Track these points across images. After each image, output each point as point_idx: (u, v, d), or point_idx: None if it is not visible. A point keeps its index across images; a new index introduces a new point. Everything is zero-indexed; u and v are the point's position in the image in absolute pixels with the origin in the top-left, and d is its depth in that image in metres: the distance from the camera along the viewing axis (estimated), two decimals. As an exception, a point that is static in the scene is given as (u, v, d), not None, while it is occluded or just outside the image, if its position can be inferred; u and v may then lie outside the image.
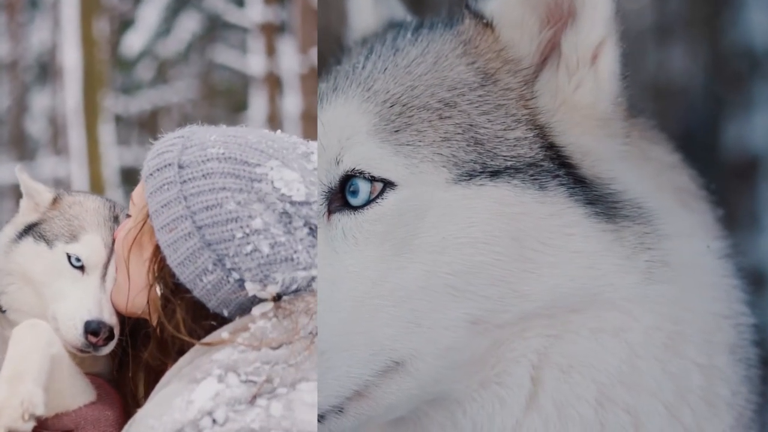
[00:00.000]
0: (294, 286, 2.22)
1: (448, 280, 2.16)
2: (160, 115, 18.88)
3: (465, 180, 2.19)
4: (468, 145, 2.21)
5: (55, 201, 2.66)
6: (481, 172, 2.19)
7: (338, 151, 2.22)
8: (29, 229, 2.64)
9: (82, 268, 2.56)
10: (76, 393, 2.42)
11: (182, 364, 2.20)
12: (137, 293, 2.32)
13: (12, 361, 2.29)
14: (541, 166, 2.21)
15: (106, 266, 2.55)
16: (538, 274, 2.18)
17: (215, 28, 17.49)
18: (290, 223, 2.22)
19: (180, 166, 2.26)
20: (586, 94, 2.27)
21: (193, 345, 2.22)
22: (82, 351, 2.49)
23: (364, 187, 2.20)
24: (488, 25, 2.30)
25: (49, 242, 2.61)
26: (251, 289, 2.20)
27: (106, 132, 14.20)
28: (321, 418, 2.14)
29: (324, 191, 2.24)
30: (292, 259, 2.21)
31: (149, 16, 17.20)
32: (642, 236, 2.23)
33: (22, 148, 18.53)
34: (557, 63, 2.28)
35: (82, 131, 14.01)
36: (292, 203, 2.22)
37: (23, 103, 18.69)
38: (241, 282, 2.21)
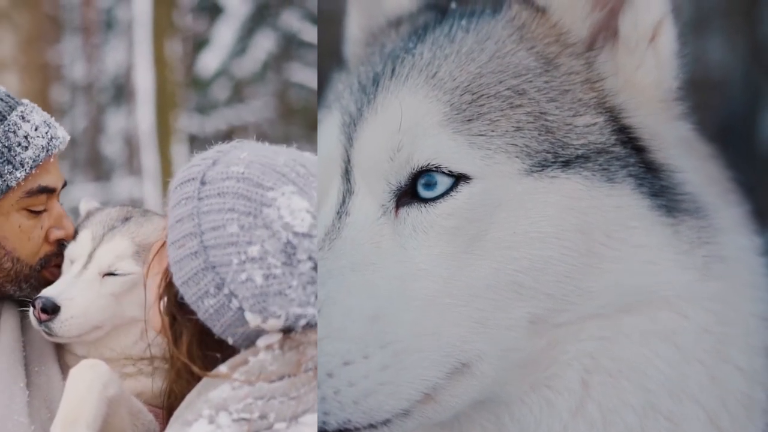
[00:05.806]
0: (303, 321, 2.10)
1: (515, 277, 2.11)
2: (236, 134, 18.96)
3: (537, 171, 2.14)
4: (540, 134, 2.16)
5: (87, 215, 2.74)
6: (553, 162, 2.15)
7: (409, 146, 2.16)
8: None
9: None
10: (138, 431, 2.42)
11: (184, 402, 2.15)
12: (150, 307, 2.27)
13: (67, 404, 2.29)
14: (612, 152, 2.17)
15: (90, 256, 2.60)
16: (601, 270, 2.13)
17: (291, 47, 17.59)
18: (294, 254, 2.09)
19: (202, 182, 2.16)
20: (648, 73, 2.23)
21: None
22: (47, 334, 2.56)
23: (442, 180, 2.14)
24: (539, 10, 2.27)
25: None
26: (252, 319, 2.10)
27: (179, 152, 14.33)
28: (387, 422, 2.08)
29: (392, 190, 2.18)
30: (285, 294, 2.08)
31: (224, 36, 17.36)
32: (699, 230, 2.18)
33: (99, 169, 18.80)
34: (612, 44, 2.24)
35: (156, 152, 14.16)
36: (295, 234, 2.09)
37: (99, 124, 18.92)
38: (242, 311, 2.10)
